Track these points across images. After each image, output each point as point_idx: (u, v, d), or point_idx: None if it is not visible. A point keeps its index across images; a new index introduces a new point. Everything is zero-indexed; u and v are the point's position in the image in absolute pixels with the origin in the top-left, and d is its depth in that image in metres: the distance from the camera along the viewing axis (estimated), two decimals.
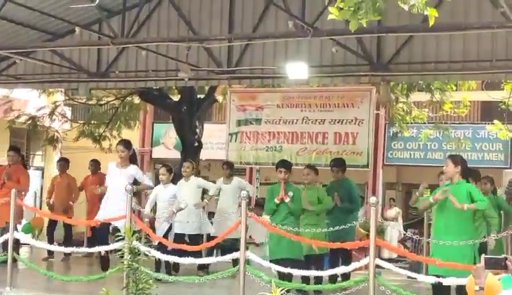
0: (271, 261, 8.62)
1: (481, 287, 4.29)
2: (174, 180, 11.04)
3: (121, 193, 9.22)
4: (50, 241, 12.64)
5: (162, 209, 10.42)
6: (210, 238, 11.29)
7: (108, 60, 13.07)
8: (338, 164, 10.80)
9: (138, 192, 10.52)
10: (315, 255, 9.54)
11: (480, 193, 8.28)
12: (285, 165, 9.71)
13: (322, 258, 9.68)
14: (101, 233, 9.78)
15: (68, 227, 13.12)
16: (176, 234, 10.96)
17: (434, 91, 15.60)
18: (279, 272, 8.62)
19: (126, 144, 10.21)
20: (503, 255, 4.59)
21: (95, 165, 13.59)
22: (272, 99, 13.25)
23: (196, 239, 11.00)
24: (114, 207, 9.54)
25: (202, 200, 11.56)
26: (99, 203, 10.76)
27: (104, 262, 9.96)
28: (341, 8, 5.08)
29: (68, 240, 12.95)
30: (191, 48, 11.02)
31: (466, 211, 7.86)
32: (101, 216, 9.78)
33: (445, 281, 7.27)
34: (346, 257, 9.91)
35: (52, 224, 13.22)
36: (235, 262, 8.73)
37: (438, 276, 7.47)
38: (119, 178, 9.81)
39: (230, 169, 12.01)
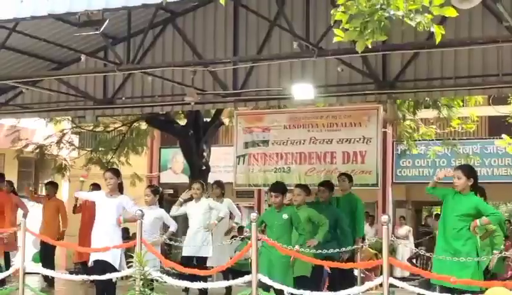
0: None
1: None
2: (162, 203, 10.83)
3: (112, 225, 9.10)
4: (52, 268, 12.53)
5: (146, 231, 9.56)
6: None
7: (114, 87, 13.11)
8: (326, 184, 10.83)
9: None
10: (306, 277, 9.36)
11: (491, 207, 8.19)
12: (277, 188, 9.43)
13: (306, 279, 9.43)
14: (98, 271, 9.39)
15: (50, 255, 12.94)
16: (184, 257, 10.87)
17: (441, 107, 15.59)
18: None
19: (115, 171, 9.68)
20: None
21: (96, 188, 13.43)
22: (279, 120, 13.22)
23: (203, 261, 10.87)
24: (103, 242, 9.10)
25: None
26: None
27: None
28: (347, 29, 5.07)
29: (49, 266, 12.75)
30: (196, 72, 11.04)
31: (467, 218, 7.80)
32: (92, 258, 9.33)
33: None
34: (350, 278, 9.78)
35: (50, 250, 12.96)
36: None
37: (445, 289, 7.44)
38: (107, 209, 9.28)
39: (220, 188, 12.01)
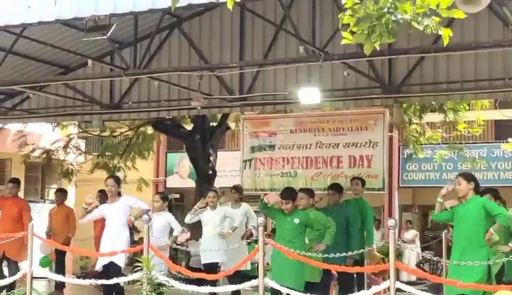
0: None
1: None
2: (171, 209, 10.89)
3: (120, 228, 9.44)
4: (63, 273, 12.59)
5: (155, 237, 9.89)
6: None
7: (120, 92, 13.14)
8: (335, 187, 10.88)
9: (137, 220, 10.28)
10: (316, 283, 9.34)
11: (498, 206, 8.17)
12: (286, 195, 9.37)
13: (325, 285, 9.41)
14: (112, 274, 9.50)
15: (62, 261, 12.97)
16: (206, 264, 10.96)
17: (447, 111, 15.57)
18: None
19: (116, 179, 10.00)
20: None
21: (102, 195, 13.46)
22: (285, 124, 13.23)
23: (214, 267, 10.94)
24: (110, 243, 9.43)
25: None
26: None
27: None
28: (354, 33, 5.08)
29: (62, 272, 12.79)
30: (202, 77, 11.07)
31: (483, 227, 7.79)
32: (101, 263, 9.56)
33: None
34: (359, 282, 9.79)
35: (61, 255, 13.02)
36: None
37: None
38: (113, 213, 9.61)
39: (239, 193, 12.04)
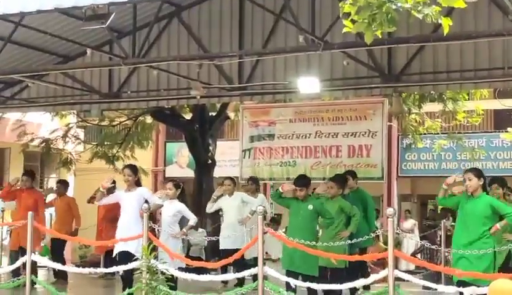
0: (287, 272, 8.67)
1: None
2: (183, 197, 10.89)
3: (134, 218, 9.48)
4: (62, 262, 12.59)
5: (166, 224, 10.15)
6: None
7: (119, 81, 13.12)
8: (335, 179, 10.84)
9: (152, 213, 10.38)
10: (334, 269, 9.46)
11: (507, 205, 8.17)
12: (300, 182, 9.59)
13: (342, 271, 9.55)
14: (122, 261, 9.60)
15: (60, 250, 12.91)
16: (222, 250, 11.09)
17: (446, 101, 15.56)
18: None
19: (133, 168, 10.03)
20: None
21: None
22: (285, 114, 13.24)
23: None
24: (126, 233, 9.48)
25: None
26: (110, 223, 11.30)
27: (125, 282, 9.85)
28: (355, 21, 5.08)
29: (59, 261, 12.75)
30: (202, 66, 11.04)
31: (489, 224, 7.82)
32: (117, 250, 9.63)
33: (466, 291, 7.21)
34: (364, 269, 9.85)
35: (60, 245, 12.95)
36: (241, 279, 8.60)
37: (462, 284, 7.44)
38: (128, 203, 9.72)
39: (255, 184, 12.16)
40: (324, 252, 8.68)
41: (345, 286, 8.01)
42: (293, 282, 8.28)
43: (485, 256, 7.65)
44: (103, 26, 8.61)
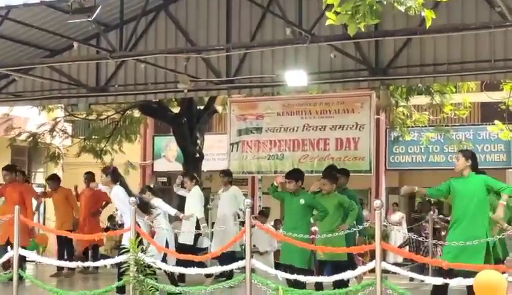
0: (279, 264, 8.72)
1: None
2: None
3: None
4: (61, 257, 12.61)
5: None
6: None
7: (106, 74, 13.07)
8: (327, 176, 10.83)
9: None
10: (336, 262, 9.46)
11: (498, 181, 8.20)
12: (289, 175, 9.70)
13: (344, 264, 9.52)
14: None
15: (68, 242, 12.97)
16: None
17: (433, 93, 15.60)
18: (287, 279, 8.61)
19: (104, 170, 10.14)
20: None
21: (89, 177, 13.40)
22: (272, 107, 13.24)
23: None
24: None
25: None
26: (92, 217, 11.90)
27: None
28: (338, 13, 5.08)
29: (70, 255, 12.84)
30: (189, 59, 11.03)
31: (486, 203, 7.91)
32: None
33: (452, 282, 7.24)
34: (352, 262, 9.87)
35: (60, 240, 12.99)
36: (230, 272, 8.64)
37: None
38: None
39: (227, 177, 12.06)
40: (314, 246, 8.73)
41: (332, 278, 8.03)
42: (280, 274, 8.28)
43: (482, 247, 7.71)
44: (89, 19, 8.58)
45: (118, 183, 9.62)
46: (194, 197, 11.36)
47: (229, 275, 10.61)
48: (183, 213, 11.08)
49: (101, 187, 10.28)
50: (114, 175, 9.72)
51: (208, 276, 10.77)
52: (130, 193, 9.40)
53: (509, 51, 10.41)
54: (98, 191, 11.89)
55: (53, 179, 13.36)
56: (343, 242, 9.32)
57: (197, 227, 10.95)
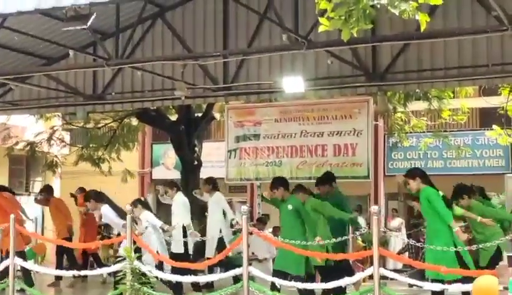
0: (274, 271, 8.73)
1: (505, 287, 4.27)
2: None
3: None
4: (59, 266, 12.58)
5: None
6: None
7: (103, 82, 13.04)
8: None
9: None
10: (319, 266, 9.46)
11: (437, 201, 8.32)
12: (272, 185, 10.04)
13: (326, 269, 9.54)
14: None
15: (68, 251, 12.94)
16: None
17: (431, 99, 15.56)
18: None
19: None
20: None
21: (82, 192, 13.40)
22: (270, 114, 13.20)
23: None
24: None
25: None
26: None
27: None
28: (332, 18, 5.05)
29: (72, 264, 12.80)
30: (186, 66, 11.01)
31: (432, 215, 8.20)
32: None
33: (451, 288, 7.21)
34: (349, 269, 9.83)
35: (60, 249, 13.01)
36: (236, 278, 8.67)
37: (437, 281, 7.58)
38: None
39: (208, 185, 12.13)
40: (306, 252, 8.72)
41: (330, 285, 7.99)
42: (278, 282, 8.25)
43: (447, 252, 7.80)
44: (85, 26, 8.54)
45: (104, 203, 9.84)
46: (177, 204, 11.41)
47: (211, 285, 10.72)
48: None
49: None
50: (97, 198, 9.95)
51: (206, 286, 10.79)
52: (117, 210, 9.54)
53: (506, 55, 10.38)
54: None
55: (46, 191, 13.39)
56: (322, 247, 9.29)
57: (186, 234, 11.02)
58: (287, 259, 9.18)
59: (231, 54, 11.29)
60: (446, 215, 8.15)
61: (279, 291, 8.36)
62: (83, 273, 9.37)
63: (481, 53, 10.51)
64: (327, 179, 10.95)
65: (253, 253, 14.28)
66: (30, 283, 10.86)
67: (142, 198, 11.65)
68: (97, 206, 10.29)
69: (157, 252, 10.08)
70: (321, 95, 13.05)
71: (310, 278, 9.17)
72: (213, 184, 12.10)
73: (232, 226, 11.72)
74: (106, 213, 10.27)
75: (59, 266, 12.63)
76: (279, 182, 9.96)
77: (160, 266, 9.61)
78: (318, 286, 8.31)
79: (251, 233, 8.44)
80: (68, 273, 10.62)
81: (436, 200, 8.23)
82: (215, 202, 11.87)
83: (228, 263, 10.24)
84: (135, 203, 10.86)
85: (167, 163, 23.39)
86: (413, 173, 8.63)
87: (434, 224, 8.24)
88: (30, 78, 12.95)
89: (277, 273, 8.77)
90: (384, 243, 16.60)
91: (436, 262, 7.78)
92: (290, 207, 9.54)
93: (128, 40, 11.00)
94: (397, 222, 19.52)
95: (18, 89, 13.17)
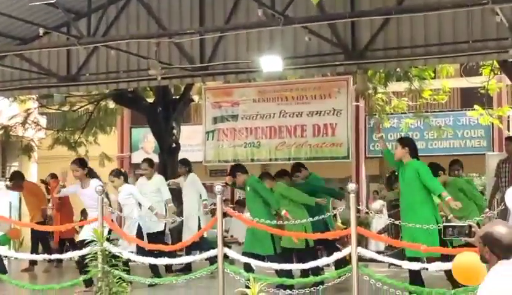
0: (243, 253, 8.57)
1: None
2: None
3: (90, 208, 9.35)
4: (34, 251, 12.35)
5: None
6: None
7: (78, 63, 12.74)
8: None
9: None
10: (297, 249, 9.29)
11: (428, 173, 8.19)
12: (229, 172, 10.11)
13: (309, 251, 9.36)
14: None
15: (43, 236, 12.67)
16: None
17: (412, 79, 15.37)
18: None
19: (80, 162, 9.92)
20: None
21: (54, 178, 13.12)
22: (248, 94, 12.95)
23: None
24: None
25: None
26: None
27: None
28: None
29: (45, 249, 12.55)
30: (160, 44, 10.74)
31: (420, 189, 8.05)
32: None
33: (431, 267, 7.04)
34: (332, 249, 9.64)
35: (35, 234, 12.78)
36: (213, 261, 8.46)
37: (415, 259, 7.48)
38: (86, 197, 9.61)
39: (185, 166, 11.93)
40: (277, 230, 8.59)
41: (307, 265, 7.81)
42: (254, 263, 8.07)
43: (431, 230, 7.68)
44: (52, 0, 8.24)
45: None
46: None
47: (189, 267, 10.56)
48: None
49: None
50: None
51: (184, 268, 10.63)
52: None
53: (487, 32, 10.16)
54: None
55: (14, 178, 13.10)
56: (301, 228, 9.16)
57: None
58: (252, 240, 9.15)
59: (206, 31, 11.03)
60: (437, 185, 8.06)
61: (253, 272, 8.15)
62: (53, 257, 9.11)
63: (462, 29, 10.30)
64: (299, 165, 10.79)
65: (232, 236, 14.10)
66: (2, 270, 10.60)
67: (123, 170, 11.25)
68: (122, 184, 10.05)
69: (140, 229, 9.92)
70: (300, 74, 12.83)
71: (287, 259, 8.97)
72: (188, 165, 11.90)
73: (205, 207, 11.52)
74: (133, 192, 10.04)
75: (34, 251, 12.38)
76: (235, 169, 9.90)
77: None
78: (295, 266, 8.12)
79: (225, 214, 8.23)
80: (39, 257, 10.37)
81: (428, 172, 8.13)
82: (190, 183, 11.70)
83: (204, 245, 10.06)
84: (117, 173, 10.45)
85: (146, 147, 23.14)
86: (406, 142, 8.51)
87: (414, 197, 8.07)
88: (3, 59, 12.62)
89: (247, 256, 8.55)
90: (366, 224, 16.47)
91: (414, 239, 7.62)
92: (248, 189, 9.52)
93: (100, 19, 10.70)
94: (378, 204, 19.33)
95: None
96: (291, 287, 7.88)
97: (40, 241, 12.59)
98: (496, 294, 3.88)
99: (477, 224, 8.46)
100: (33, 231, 12.48)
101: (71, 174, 9.74)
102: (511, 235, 4.01)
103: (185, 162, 12.07)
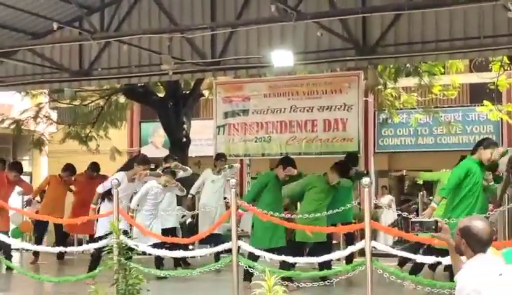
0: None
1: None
2: None
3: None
4: (38, 242, 12.45)
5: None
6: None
7: (90, 58, 12.82)
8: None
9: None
10: (311, 243, 9.29)
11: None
12: None
13: (323, 246, 9.36)
14: None
15: (57, 229, 12.79)
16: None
17: (422, 74, 15.39)
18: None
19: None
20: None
21: (93, 167, 13.14)
22: (259, 89, 13.03)
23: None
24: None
25: None
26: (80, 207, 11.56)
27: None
28: None
29: (60, 241, 12.62)
30: (172, 39, 10.82)
31: None
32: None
33: (445, 260, 7.10)
34: (352, 240, 9.66)
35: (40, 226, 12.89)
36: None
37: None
38: None
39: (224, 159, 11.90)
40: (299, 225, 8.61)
41: (320, 259, 7.87)
42: (268, 256, 8.13)
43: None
44: None
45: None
46: None
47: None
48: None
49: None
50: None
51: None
52: None
53: (498, 27, 10.19)
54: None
55: (13, 169, 12.98)
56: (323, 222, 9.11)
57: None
58: (256, 235, 9.05)
59: (218, 26, 11.09)
60: None
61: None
62: (57, 250, 9.25)
63: (472, 25, 10.33)
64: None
65: (242, 230, 14.16)
66: (8, 256, 10.72)
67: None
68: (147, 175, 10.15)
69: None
70: (311, 69, 12.88)
71: (297, 253, 8.97)
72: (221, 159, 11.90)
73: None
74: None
75: (39, 242, 12.52)
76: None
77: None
78: (308, 259, 8.17)
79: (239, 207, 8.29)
80: (51, 249, 10.51)
81: None
82: (225, 177, 11.59)
83: (218, 241, 10.10)
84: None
85: (156, 141, 23.20)
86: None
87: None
88: (15, 54, 12.70)
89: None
90: (375, 219, 16.52)
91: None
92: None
93: (113, 14, 10.77)
94: (387, 199, 19.40)
95: (3, 66, 12.98)
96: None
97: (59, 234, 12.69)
98: (469, 288, 3.98)
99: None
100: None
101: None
102: (487, 230, 4.21)
103: (224, 155, 12.03)
